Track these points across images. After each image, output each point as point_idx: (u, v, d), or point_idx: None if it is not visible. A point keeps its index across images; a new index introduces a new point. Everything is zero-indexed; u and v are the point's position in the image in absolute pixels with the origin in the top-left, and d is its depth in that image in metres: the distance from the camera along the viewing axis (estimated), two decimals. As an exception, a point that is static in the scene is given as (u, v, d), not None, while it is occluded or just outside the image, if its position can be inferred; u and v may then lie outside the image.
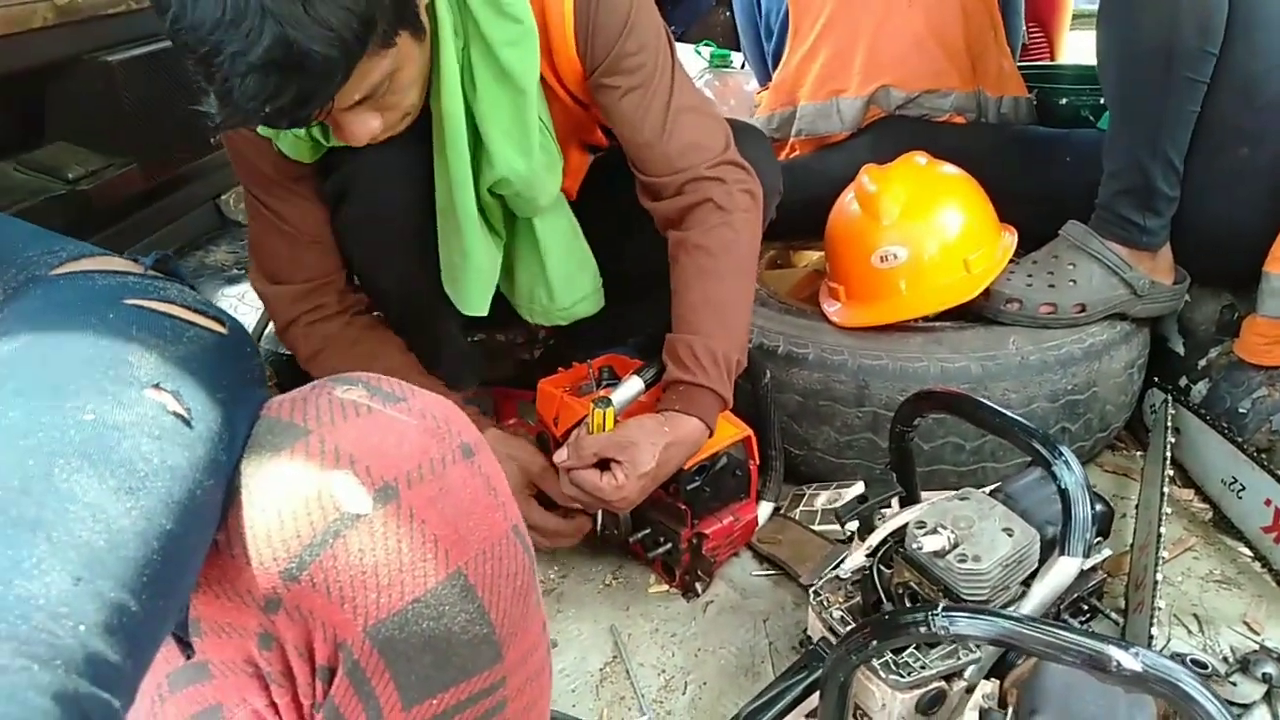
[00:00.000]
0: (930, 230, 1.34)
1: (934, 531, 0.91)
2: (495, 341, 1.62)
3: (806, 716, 0.98)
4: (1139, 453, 1.48)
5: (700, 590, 1.23)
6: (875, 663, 0.85)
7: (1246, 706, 0.98)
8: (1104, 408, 1.36)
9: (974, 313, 1.37)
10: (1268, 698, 0.99)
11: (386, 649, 0.52)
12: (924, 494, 1.15)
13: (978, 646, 0.87)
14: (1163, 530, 1.11)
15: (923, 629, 0.72)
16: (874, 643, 0.77)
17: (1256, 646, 1.07)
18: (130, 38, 1.74)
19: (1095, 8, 1.34)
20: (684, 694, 1.09)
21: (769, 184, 1.23)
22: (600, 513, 1.22)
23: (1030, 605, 0.89)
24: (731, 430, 1.19)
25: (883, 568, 0.98)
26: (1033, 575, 0.92)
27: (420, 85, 1.02)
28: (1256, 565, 1.22)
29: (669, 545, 1.20)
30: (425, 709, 0.54)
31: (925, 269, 1.33)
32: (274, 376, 1.52)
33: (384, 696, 0.53)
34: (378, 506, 0.52)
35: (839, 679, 0.80)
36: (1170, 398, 1.40)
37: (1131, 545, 1.23)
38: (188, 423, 0.50)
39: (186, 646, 0.53)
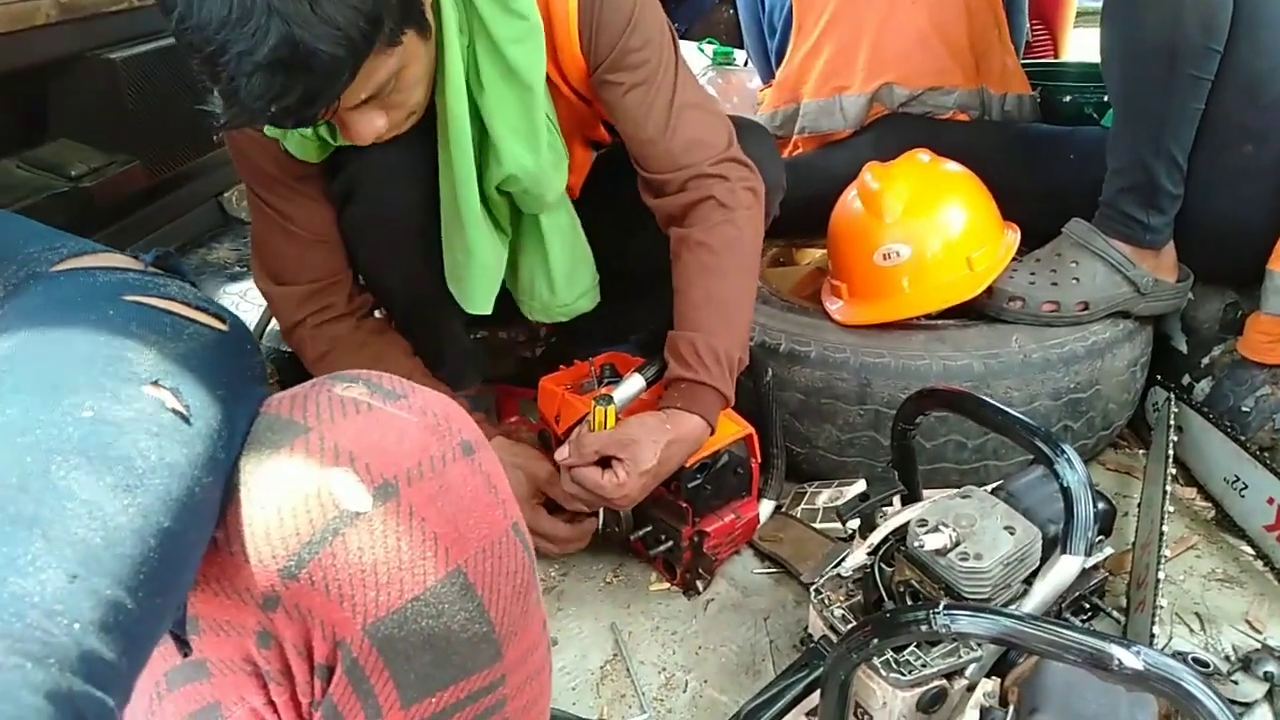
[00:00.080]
0: (933, 228, 1.33)
1: (936, 530, 0.91)
2: (497, 339, 1.62)
3: (807, 715, 0.97)
4: (1141, 451, 1.48)
5: (701, 588, 1.23)
6: (876, 661, 0.85)
7: (1248, 705, 0.98)
8: (1107, 406, 1.36)
9: (977, 311, 1.37)
10: (1269, 696, 0.99)
11: (385, 647, 0.52)
12: (926, 492, 1.14)
13: (979, 645, 0.87)
14: (1165, 529, 1.11)
15: (924, 627, 0.72)
16: (875, 641, 0.77)
17: (1258, 645, 1.07)
18: (133, 35, 1.74)
19: (1099, 5, 1.33)
20: (684, 692, 1.09)
21: (772, 181, 1.23)
22: (602, 510, 1.22)
23: (1032, 604, 0.89)
24: (733, 428, 1.19)
25: (884, 566, 0.98)
26: (1034, 573, 0.92)
27: (426, 83, 1.02)
28: (1259, 564, 1.21)
29: (670, 543, 1.20)
30: (424, 707, 0.54)
31: (928, 267, 1.33)
32: (276, 374, 1.52)
33: (383, 695, 0.53)
34: (377, 504, 0.51)
35: (840, 677, 0.80)
36: (1173, 396, 1.39)
37: (1133, 544, 1.22)
38: (186, 420, 0.50)
39: (184, 644, 0.53)
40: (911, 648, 0.86)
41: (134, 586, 0.42)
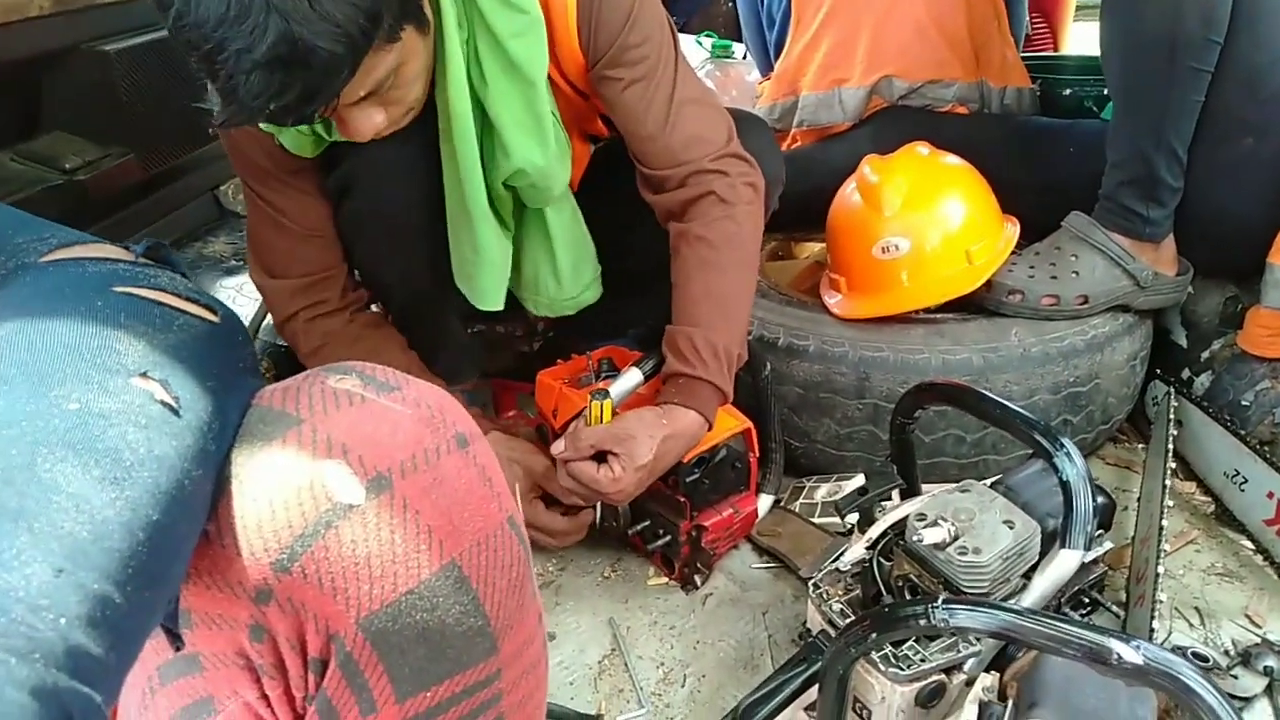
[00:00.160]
0: (932, 221, 1.33)
1: (934, 524, 0.91)
2: (494, 333, 1.61)
3: (805, 709, 0.97)
4: (1141, 445, 1.47)
5: (699, 583, 1.22)
6: (875, 655, 0.84)
7: (1248, 700, 0.98)
8: (1106, 400, 1.36)
9: (976, 304, 1.37)
10: (1269, 691, 0.99)
11: (379, 641, 0.51)
12: (925, 486, 1.14)
13: (978, 639, 0.86)
14: (1164, 523, 1.11)
15: (923, 622, 0.72)
16: (874, 635, 0.76)
17: (1258, 639, 1.06)
18: (128, 27, 1.73)
19: (1099, -3, 1.33)
20: (683, 686, 1.08)
21: (771, 175, 1.22)
22: (599, 505, 1.22)
23: (1031, 598, 0.89)
24: (731, 422, 1.18)
25: (883, 560, 0.98)
26: (1034, 568, 0.92)
27: (425, 79, 1.01)
28: (1258, 558, 1.21)
29: (668, 537, 1.19)
30: (419, 701, 0.54)
31: (927, 260, 1.32)
32: (272, 368, 1.51)
33: (377, 689, 0.52)
34: (370, 497, 0.51)
35: (838, 672, 0.80)
36: (1173, 390, 1.39)
37: (1133, 538, 1.22)
38: (176, 411, 0.49)
39: (176, 638, 0.52)
40: (910, 642, 0.86)
41: (122, 581, 0.41)
